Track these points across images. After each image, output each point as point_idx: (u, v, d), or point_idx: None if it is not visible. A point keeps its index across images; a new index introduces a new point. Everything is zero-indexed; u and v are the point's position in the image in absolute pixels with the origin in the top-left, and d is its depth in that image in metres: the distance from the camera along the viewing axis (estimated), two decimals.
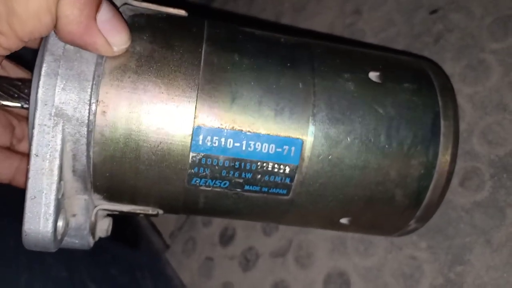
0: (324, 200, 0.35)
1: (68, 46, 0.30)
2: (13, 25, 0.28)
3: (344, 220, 0.37)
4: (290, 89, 0.33)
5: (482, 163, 0.45)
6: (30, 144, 0.30)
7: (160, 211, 0.36)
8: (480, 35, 0.50)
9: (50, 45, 0.30)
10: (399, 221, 0.38)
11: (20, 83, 0.34)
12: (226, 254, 0.64)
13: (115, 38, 0.30)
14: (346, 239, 0.52)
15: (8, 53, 0.30)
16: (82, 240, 0.34)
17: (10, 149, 0.39)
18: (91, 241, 0.35)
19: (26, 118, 0.39)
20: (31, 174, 0.29)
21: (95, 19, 0.29)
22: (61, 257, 0.38)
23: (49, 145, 0.30)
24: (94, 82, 0.30)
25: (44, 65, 0.30)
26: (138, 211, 0.35)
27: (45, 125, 0.30)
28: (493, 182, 0.44)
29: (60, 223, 0.31)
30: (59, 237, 0.31)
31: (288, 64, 0.34)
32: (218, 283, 0.63)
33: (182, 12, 0.36)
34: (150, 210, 0.35)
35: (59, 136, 0.30)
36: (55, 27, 0.29)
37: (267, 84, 0.33)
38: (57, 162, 0.30)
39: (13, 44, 0.29)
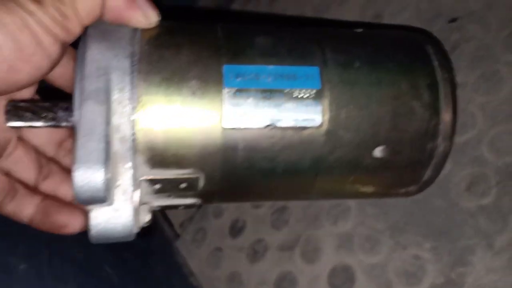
0: (353, 122, 0.36)
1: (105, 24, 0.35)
2: (76, 8, 0.31)
3: (377, 152, 0.38)
4: (298, 37, 0.39)
5: (490, 169, 0.47)
6: (79, 94, 0.32)
7: (202, 175, 0.36)
8: (495, 46, 0.51)
9: (91, 27, 0.34)
10: (428, 141, 0.39)
11: (47, 104, 0.36)
12: (235, 245, 0.66)
13: (150, 11, 0.35)
14: (352, 236, 0.54)
15: (73, 39, 0.33)
16: (125, 223, 0.34)
17: (33, 188, 0.39)
18: (134, 228, 0.34)
19: (53, 160, 0.41)
20: (82, 114, 0.31)
21: None
22: (79, 238, 0.40)
23: (98, 89, 0.32)
24: (133, 43, 0.34)
25: (89, 35, 0.34)
26: (181, 176, 0.35)
27: (93, 75, 0.32)
28: (499, 188, 0.45)
29: (108, 175, 0.31)
30: (109, 186, 0.31)
31: (293, 29, 0.40)
32: (226, 273, 0.65)
33: None
34: (192, 174, 0.35)
35: (107, 83, 0.32)
36: (104, 7, 0.33)
37: (278, 35, 0.38)
38: (105, 106, 0.32)
39: (77, 27, 0.32)
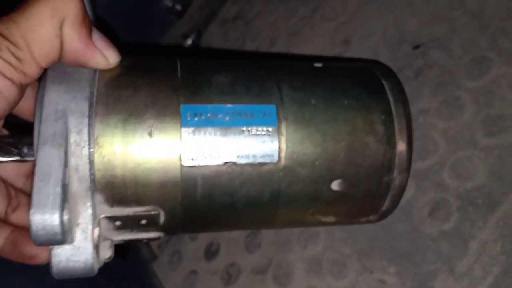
0: (309, 159, 0.37)
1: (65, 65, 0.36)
2: (32, 53, 0.32)
3: (335, 186, 0.39)
4: (256, 75, 0.40)
5: (451, 195, 0.48)
6: (37, 138, 0.33)
7: (162, 212, 0.37)
8: (457, 73, 0.53)
9: (50, 69, 0.35)
10: (384, 175, 0.40)
11: (12, 140, 0.37)
12: (209, 269, 0.67)
13: (109, 51, 0.36)
14: (321, 260, 0.55)
15: (30, 81, 0.34)
16: (86, 260, 0.34)
17: (3, 220, 0.40)
18: (95, 264, 0.35)
19: (21, 191, 0.42)
20: (38, 159, 0.32)
21: (91, 37, 0.35)
22: None
23: (55, 133, 0.33)
24: (91, 85, 0.35)
25: (48, 77, 0.35)
26: (141, 213, 0.36)
27: (50, 118, 0.33)
28: (460, 214, 0.47)
29: (66, 217, 0.32)
30: (66, 228, 0.32)
31: (250, 64, 0.42)
32: None
33: None
34: (152, 211, 0.36)
35: (64, 126, 0.33)
36: (62, 50, 0.34)
37: (236, 74, 0.39)
38: (62, 149, 0.32)
39: (34, 70, 0.33)
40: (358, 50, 0.64)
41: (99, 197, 0.34)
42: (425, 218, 0.49)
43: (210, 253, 0.68)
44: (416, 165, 0.51)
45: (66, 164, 0.32)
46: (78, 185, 0.34)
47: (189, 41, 0.95)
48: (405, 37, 0.59)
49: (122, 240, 0.38)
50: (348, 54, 0.65)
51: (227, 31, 0.88)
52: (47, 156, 0.32)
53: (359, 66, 0.45)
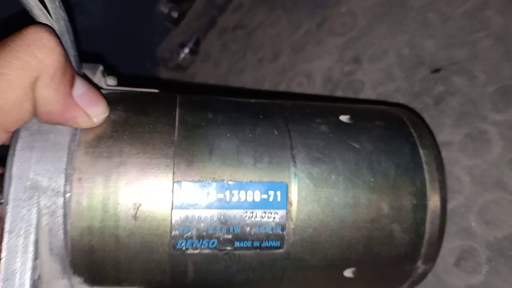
0: (321, 247, 0.33)
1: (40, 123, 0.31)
2: None
3: (348, 273, 0.35)
4: (266, 136, 0.33)
5: (479, 243, 0.43)
6: (4, 222, 0.29)
7: None
8: (482, 102, 0.48)
9: (23, 128, 0.30)
10: (406, 264, 0.35)
11: None
12: None
13: (94, 109, 0.31)
14: None
15: None
16: None
17: None
18: None
19: None
20: (4, 253, 0.28)
21: (71, 95, 0.30)
22: None
23: (24, 219, 0.28)
24: (70, 151, 0.30)
25: (20, 140, 0.30)
26: None
27: (20, 199, 0.29)
28: (490, 266, 0.42)
29: None
30: None
31: (261, 116, 0.35)
32: None
33: (154, 90, 0.37)
34: None
35: (34, 210, 0.29)
36: (35, 111, 0.29)
37: (243, 135, 0.33)
38: (32, 238, 0.28)
39: (1, 135, 0.29)
40: (370, 71, 0.59)
41: (77, 279, 0.31)
42: (451, 268, 0.44)
43: None
44: None
45: (36, 255, 0.29)
46: (54, 265, 0.30)
47: (186, 50, 0.90)
48: (423, 59, 0.54)
49: None
50: (360, 74, 0.60)
51: (226, 41, 0.83)
52: (12, 249, 0.28)
53: (391, 123, 0.37)
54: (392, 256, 0.34)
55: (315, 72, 0.65)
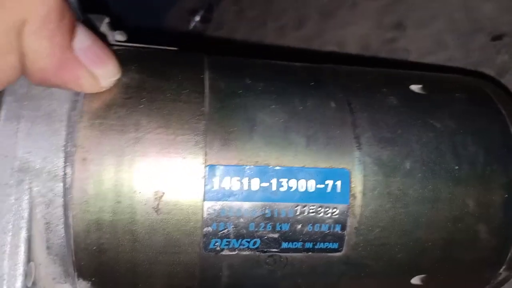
0: (389, 252, 0.27)
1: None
2: None
3: (416, 280, 0.30)
4: (321, 110, 0.28)
5: None
6: None
7: None
8: None
9: (8, 92, 0.25)
10: (487, 271, 0.31)
11: None
12: None
13: (101, 68, 0.25)
14: None
15: None
16: None
17: None
18: None
19: None
20: None
21: (70, 47, 0.23)
22: None
23: (11, 211, 0.24)
24: (70, 123, 0.25)
25: (3, 108, 0.24)
26: None
27: (6, 184, 0.23)
28: None
29: None
30: None
31: (312, 84, 0.29)
32: None
33: (173, 48, 0.31)
34: None
35: (25, 198, 0.24)
36: (23, 68, 0.23)
37: (291, 107, 0.27)
38: (23, 234, 0.24)
39: None
40: (416, 38, 0.52)
41: (83, 283, 0.26)
42: None
43: None
44: None
45: (29, 256, 0.24)
46: (53, 266, 0.25)
47: (197, 18, 0.84)
48: (481, 24, 0.48)
49: None
50: (403, 42, 0.54)
51: (243, 6, 0.77)
52: None
53: (474, 96, 0.32)
54: (473, 262, 0.30)
55: (349, 40, 0.59)
